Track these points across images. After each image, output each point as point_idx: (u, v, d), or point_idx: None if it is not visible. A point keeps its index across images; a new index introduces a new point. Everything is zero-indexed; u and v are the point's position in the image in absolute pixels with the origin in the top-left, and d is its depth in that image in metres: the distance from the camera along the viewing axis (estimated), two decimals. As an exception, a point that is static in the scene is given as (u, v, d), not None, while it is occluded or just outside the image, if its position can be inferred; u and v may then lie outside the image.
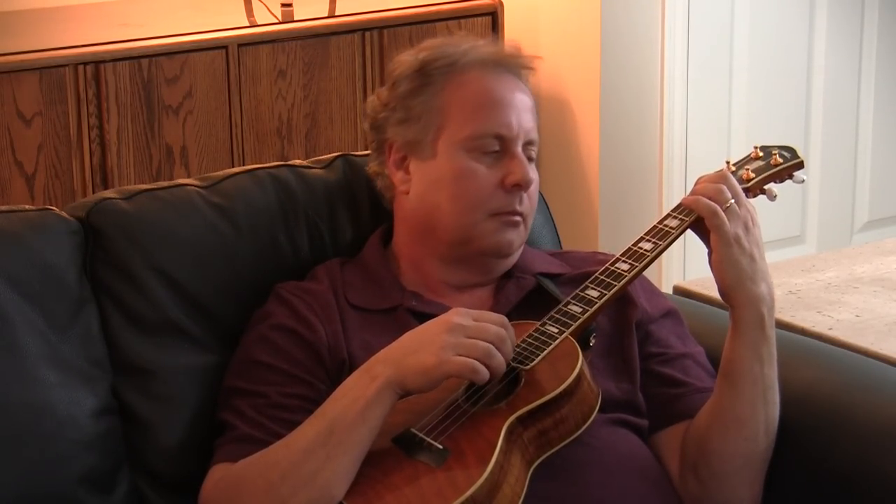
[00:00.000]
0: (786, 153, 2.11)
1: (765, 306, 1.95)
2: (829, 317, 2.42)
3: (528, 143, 2.06)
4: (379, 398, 1.82)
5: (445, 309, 1.96)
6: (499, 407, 1.83)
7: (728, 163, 2.08)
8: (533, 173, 2.05)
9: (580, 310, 1.92)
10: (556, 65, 3.86)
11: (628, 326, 2.05)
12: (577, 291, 1.95)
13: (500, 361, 1.81)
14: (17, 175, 3.25)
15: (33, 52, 3.26)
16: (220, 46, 3.43)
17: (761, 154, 2.11)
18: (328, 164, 2.25)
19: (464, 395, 1.86)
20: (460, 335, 1.81)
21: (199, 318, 2.08)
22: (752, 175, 2.07)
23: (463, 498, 1.73)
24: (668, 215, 2.00)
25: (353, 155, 2.28)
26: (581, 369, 1.85)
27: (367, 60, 3.60)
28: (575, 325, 1.91)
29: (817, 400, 2.03)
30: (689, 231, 2.00)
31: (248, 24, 3.54)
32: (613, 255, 2.00)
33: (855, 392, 2.03)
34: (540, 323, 1.92)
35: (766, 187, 2.08)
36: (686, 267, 3.94)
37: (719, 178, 1.99)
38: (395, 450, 1.83)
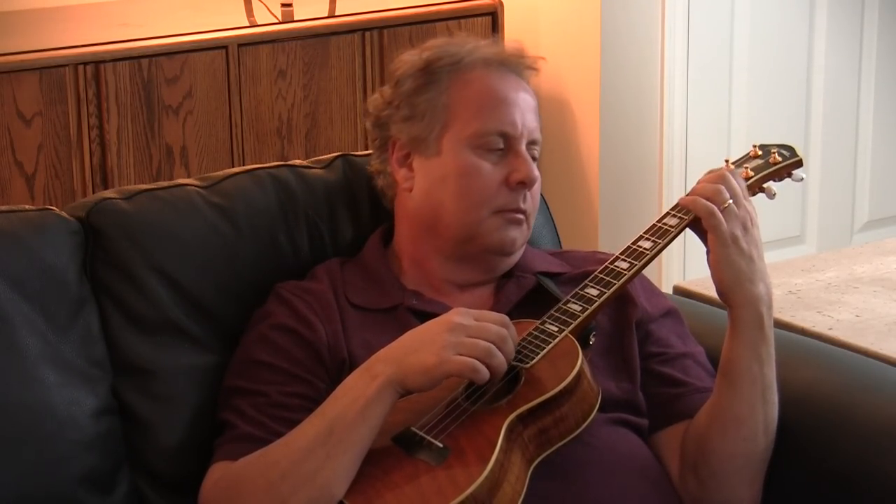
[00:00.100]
0: (785, 151, 2.12)
1: (763, 306, 1.95)
2: (829, 317, 2.42)
3: (531, 143, 2.07)
4: (379, 397, 1.82)
5: (446, 308, 1.96)
6: (499, 405, 1.83)
7: (727, 161, 2.08)
8: (536, 172, 2.06)
9: (580, 308, 1.93)
10: (556, 65, 3.86)
11: (628, 325, 2.05)
12: (576, 290, 1.96)
13: (500, 361, 1.81)
14: (17, 175, 3.25)
15: (33, 52, 3.26)
16: (220, 46, 3.43)
17: (760, 152, 2.11)
18: (328, 164, 2.25)
19: (464, 394, 1.86)
20: (461, 334, 1.81)
21: (199, 318, 2.08)
22: (751, 173, 2.07)
23: (464, 496, 1.73)
24: (668, 214, 2.01)
25: (353, 155, 2.28)
26: (581, 368, 1.86)
27: (367, 60, 3.60)
28: (575, 323, 1.91)
29: (817, 400, 2.03)
30: (688, 231, 2.00)
31: (248, 24, 3.54)
32: (613, 255, 2.00)
33: (855, 392, 2.03)
34: (540, 321, 1.92)
35: (764, 185, 2.09)
36: (686, 267, 3.94)
37: (718, 178, 1.99)
38: (396, 448, 1.83)
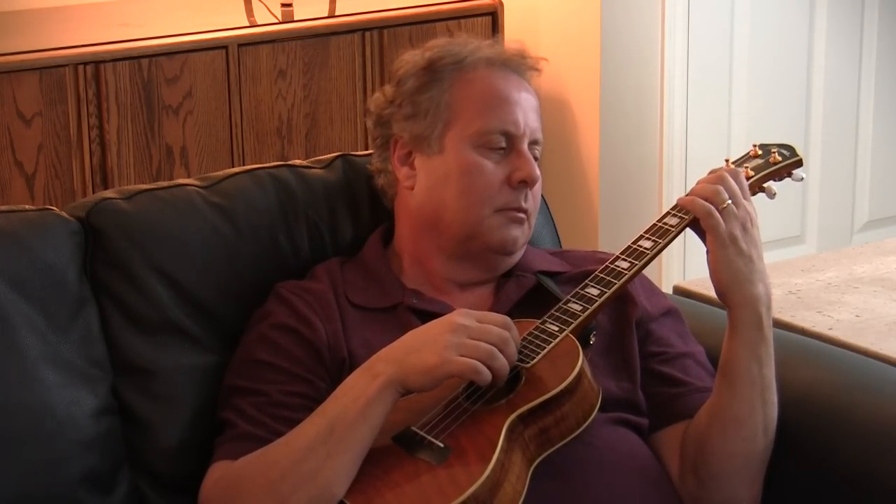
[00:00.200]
0: (785, 151, 2.12)
1: (762, 307, 1.95)
2: (829, 317, 2.42)
3: (533, 143, 2.07)
4: (380, 396, 1.82)
5: (446, 307, 1.97)
6: (499, 405, 1.83)
7: (727, 161, 2.08)
8: (538, 171, 2.06)
9: (580, 308, 1.93)
10: (556, 65, 3.86)
11: (628, 325, 2.06)
12: (577, 290, 1.96)
13: (502, 364, 1.81)
14: (17, 175, 3.25)
15: (33, 52, 3.26)
16: (220, 46, 3.43)
17: (760, 152, 2.11)
18: (328, 164, 2.25)
19: (464, 394, 1.86)
20: (463, 335, 1.81)
21: (199, 318, 2.08)
22: (751, 173, 2.07)
23: (465, 496, 1.73)
24: (668, 213, 2.01)
25: (353, 155, 2.29)
26: (581, 367, 1.86)
27: (367, 60, 3.60)
28: (575, 323, 1.91)
29: (817, 400, 2.03)
30: (689, 231, 2.00)
31: (248, 24, 3.54)
32: (613, 254, 2.00)
33: (855, 392, 2.03)
34: (540, 321, 1.92)
35: (765, 185, 2.09)
36: (686, 267, 3.94)
37: (717, 178, 1.99)
38: (396, 448, 1.83)
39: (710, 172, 2.03)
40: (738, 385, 1.96)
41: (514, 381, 1.85)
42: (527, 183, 2.04)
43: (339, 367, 1.96)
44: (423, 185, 2.08)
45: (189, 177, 2.78)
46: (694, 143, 3.99)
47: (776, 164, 2.10)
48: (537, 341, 1.89)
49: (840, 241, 4.22)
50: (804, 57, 4.15)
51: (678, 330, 2.11)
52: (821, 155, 4.21)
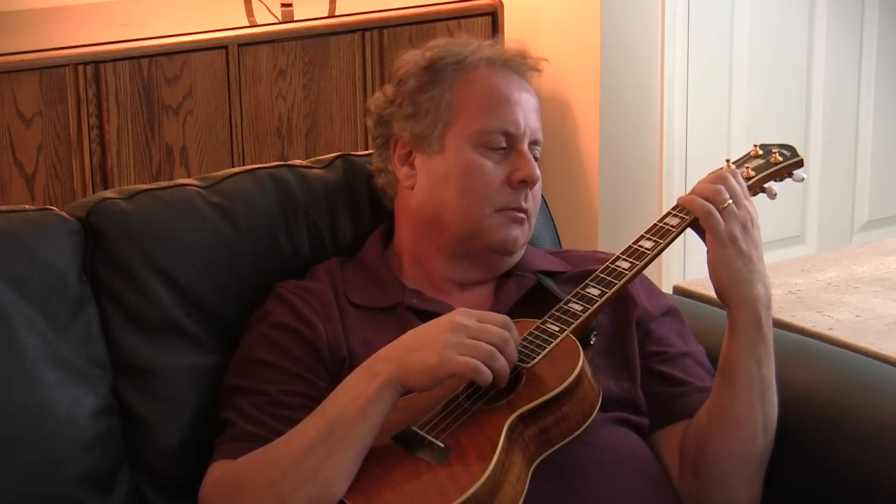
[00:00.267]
0: (785, 151, 2.12)
1: (761, 307, 1.95)
2: (829, 317, 2.42)
3: (533, 143, 2.07)
4: (380, 396, 1.82)
5: (446, 306, 1.97)
6: (500, 405, 1.83)
7: (728, 161, 2.08)
8: (538, 171, 2.06)
9: (581, 308, 1.93)
10: (556, 65, 3.85)
11: (628, 325, 2.06)
12: (577, 290, 1.96)
13: (502, 364, 1.81)
14: (17, 175, 3.25)
15: (33, 52, 3.26)
16: (220, 46, 3.43)
17: (761, 152, 2.11)
18: (328, 164, 2.25)
19: (465, 393, 1.86)
20: (463, 335, 1.81)
21: (199, 318, 2.08)
22: (752, 173, 2.07)
23: (465, 496, 1.73)
24: (669, 213, 2.01)
25: (353, 155, 2.29)
26: (582, 367, 1.86)
27: (367, 60, 3.60)
28: (576, 323, 1.91)
29: (817, 400, 2.03)
30: (689, 231, 2.00)
31: (248, 24, 3.54)
32: (613, 254, 2.01)
33: (855, 392, 2.03)
34: (541, 321, 1.92)
35: (765, 185, 2.09)
36: (686, 267, 3.94)
37: (718, 178, 1.99)
38: (396, 447, 1.83)
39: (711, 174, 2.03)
40: (737, 385, 1.96)
41: (514, 381, 1.85)
42: (527, 183, 2.04)
43: (338, 367, 1.96)
44: (423, 184, 2.08)
45: (189, 177, 2.78)
46: (694, 143, 3.99)
47: (777, 164, 2.10)
48: (538, 341, 1.89)
49: (840, 241, 4.22)
50: (804, 57, 4.15)
51: (678, 330, 2.11)
52: (821, 155, 4.20)
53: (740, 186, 1.99)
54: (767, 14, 4.07)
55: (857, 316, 2.43)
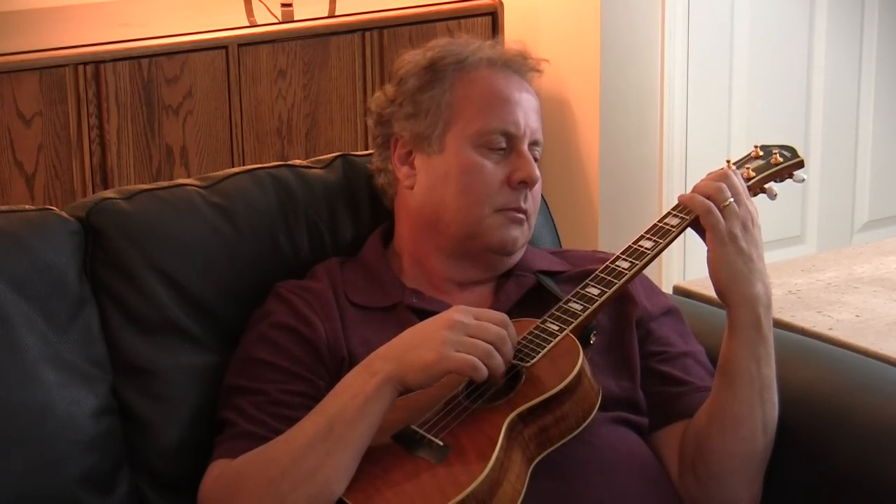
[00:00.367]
0: (786, 152, 2.12)
1: (761, 306, 1.95)
2: (829, 317, 2.42)
3: (533, 143, 2.07)
4: (379, 394, 1.82)
5: (446, 306, 1.97)
6: (499, 404, 1.83)
7: (728, 162, 2.08)
8: (538, 172, 2.06)
9: (581, 307, 1.93)
10: (556, 65, 3.84)
11: (628, 324, 2.06)
12: (577, 289, 1.96)
13: (499, 362, 1.81)
14: (17, 175, 3.25)
15: (33, 52, 3.26)
16: (220, 46, 3.43)
17: (761, 153, 2.11)
18: (328, 164, 2.26)
19: (464, 392, 1.86)
20: (461, 333, 1.81)
21: (199, 318, 2.08)
22: (753, 174, 2.07)
23: (464, 494, 1.73)
24: (669, 213, 2.01)
25: (353, 155, 2.29)
26: (582, 367, 1.86)
27: (367, 60, 3.60)
28: (575, 322, 1.91)
29: (817, 400, 2.03)
30: (689, 231, 2.00)
31: (248, 24, 3.54)
32: (613, 254, 2.01)
33: (855, 392, 2.03)
34: (540, 320, 1.92)
35: (766, 186, 2.09)
36: (686, 267, 3.94)
37: (720, 176, 1.99)
38: (396, 446, 1.83)
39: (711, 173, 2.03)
40: (736, 384, 1.96)
41: (514, 380, 1.85)
42: (526, 183, 2.05)
43: (338, 367, 1.96)
44: (422, 184, 2.08)
45: (189, 177, 2.78)
46: (694, 143, 3.99)
47: (777, 165, 2.10)
48: (538, 340, 1.89)
49: (840, 241, 4.22)
50: (804, 57, 4.15)
51: (678, 329, 2.11)
52: (821, 155, 4.20)
53: (741, 185, 1.99)
54: (767, 14, 4.07)
55: (857, 316, 2.43)
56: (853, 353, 2.22)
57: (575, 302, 1.94)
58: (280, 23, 3.56)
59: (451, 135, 2.05)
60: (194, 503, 1.93)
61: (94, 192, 2.97)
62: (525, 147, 2.06)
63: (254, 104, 3.48)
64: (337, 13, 3.64)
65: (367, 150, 2.22)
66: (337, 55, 3.56)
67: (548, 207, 2.34)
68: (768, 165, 2.10)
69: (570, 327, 1.90)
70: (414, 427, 1.84)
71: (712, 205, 1.95)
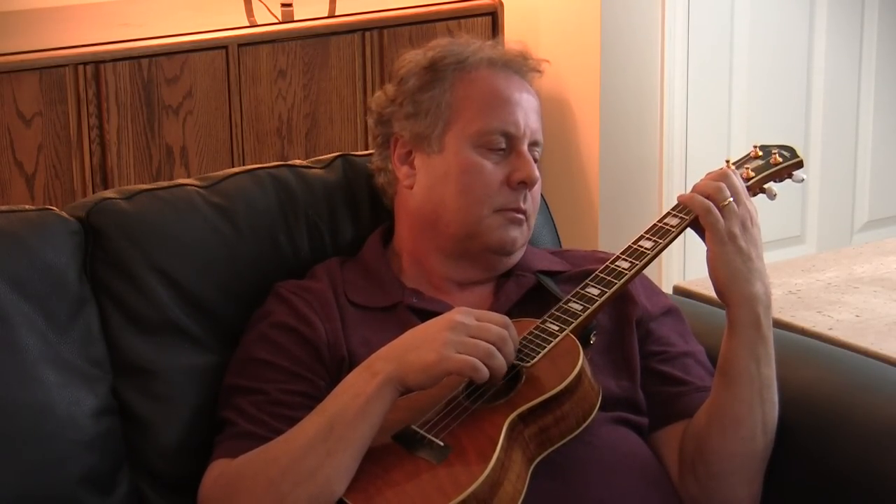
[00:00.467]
0: (785, 152, 2.12)
1: (760, 306, 1.95)
2: (829, 317, 2.42)
3: (533, 144, 2.07)
4: (379, 394, 1.82)
5: (446, 306, 1.97)
6: (500, 404, 1.83)
7: (728, 162, 2.08)
8: (537, 173, 2.06)
9: (581, 308, 1.93)
10: (556, 65, 3.83)
11: (628, 324, 2.06)
12: (577, 289, 1.96)
13: (500, 363, 1.81)
14: (17, 175, 3.25)
15: (33, 52, 3.26)
16: (220, 46, 3.43)
17: (761, 153, 2.11)
18: (328, 164, 2.26)
19: (464, 392, 1.86)
20: (462, 333, 1.81)
21: (199, 318, 2.08)
22: (752, 174, 2.07)
23: (465, 494, 1.73)
24: (668, 213, 2.01)
25: (353, 155, 2.29)
26: (582, 367, 1.86)
27: (367, 60, 3.60)
28: (575, 322, 1.91)
29: (817, 400, 2.03)
30: (689, 231, 2.00)
31: (248, 24, 3.54)
32: (613, 254, 2.01)
33: (855, 392, 2.03)
34: (541, 321, 1.92)
35: (765, 186, 2.09)
36: (686, 267, 3.94)
37: (720, 175, 1.99)
38: (396, 446, 1.83)
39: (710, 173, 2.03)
40: (736, 384, 1.96)
41: (514, 381, 1.85)
42: (526, 184, 2.05)
43: (338, 366, 1.96)
44: (422, 184, 2.08)
45: (189, 177, 2.78)
46: (694, 143, 3.99)
47: (777, 165, 2.10)
48: (538, 341, 1.89)
49: (840, 241, 4.22)
50: (804, 57, 4.15)
51: (678, 329, 2.11)
52: (821, 155, 4.20)
53: (740, 185, 1.99)
54: (767, 14, 4.07)
55: (857, 316, 2.43)
56: (853, 353, 2.22)
57: (575, 302, 1.94)
58: (280, 23, 3.56)
59: (450, 135, 2.06)
60: (194, 503, 1.92)
61: (94, 192, 2.97)
62: (525, 147, 2.06)
63: (254, 104, 3.48)
64: (337, 13, 3.64)
65: (367, 150, 2.22)
66: (337, 55, 3.56)
67: (548, 207, 2.34)
68: (768, 165, 2.10)
69: (571, 327, 1.90)
70: (414, 427, 1.84)
71: (711, 204, 1.95)
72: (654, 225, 2.01)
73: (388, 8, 3.67)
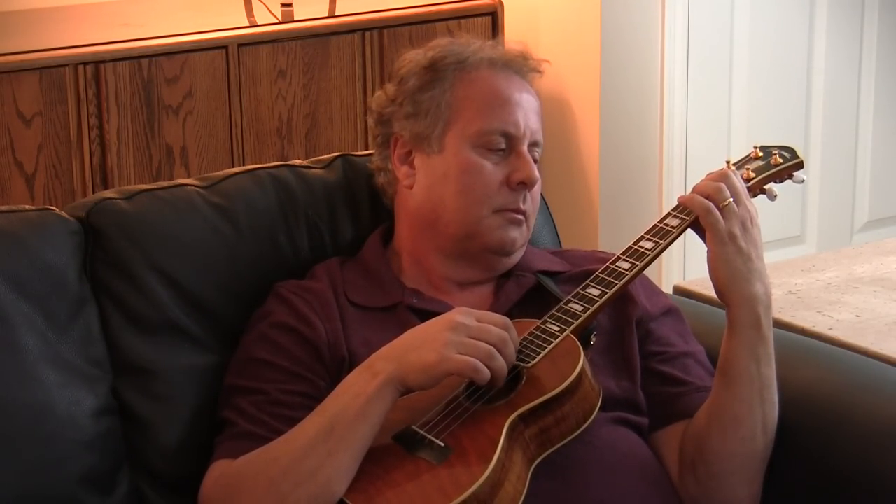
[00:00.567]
0: (786, 153, 2.12)
1: (760, 306, 1.95)
2: (829, 317, 2.42)
3: (533, 144, 2.07)
4: (380, 394, 1.82)
5: (446, 306, 1.97)
6: (500, 404, 1.83)
7: (728, 162, 2.08)
8: (537, 173, 2.06)
9: (581, 308, 1.93)
10: (556, 65, 3.83)
11: (628, 324, 2.06)
12: (577, 290, 1.96)
13: (501, 364, 1.81)
14: (17, 175, 3.25)
15: (33, 52, 3.26)
16: (220, 46, 3.43)
17: (761, 154, 2.12)
18: (328, 164, 2.26)
19: (465, 393, 1.86)
20: (462, 334, 1.81)
21: (199, 318, 2.08)
22: (752, 175, 2.07)
23: (465, 495, 1.73)
24: (669, 214, 2.01)
25: (353, 155, 2.29)
26: (582, 367, 1.86)
27: (367, 60, 3.60)
28: (576, 323, 1.91)
29: (817, 400, 2.03)
30: (689, 231, 2.00)
31: (248, 24, 3.54)
32: (613, 254, 2.01)
33: (855, 392, 2.03)
34: (541, 321, 1.92)
35: (766, 187, 2.09)
36: (686, 267, 3.94)
37: (720, 176, 1.99)
38: (397, 447, 1.83)
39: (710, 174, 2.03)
40: (736, 384, 1.96)
41: (514, 381, 1.85)
42: (525, 184, 2.04)
43: (338, 367, 1.96)
44: (422, 184, 2.08)
45: (189, 177, 2.79)
46: (694, 142, 3.99)
47: (777, 165, 2.10)
48: (538, 341, 1.89)
49: (840, 241, 4.22)
50: (804, 57, 4.15)
51: (678, 329, 2.11)
52: (821, 155, 4.20)
53: (740, 185, 1.99)
54: (767, 14, 4.07)
55: (857, 316, 2.43)
56: (853, 353, 2.22)
57: (575, 302, 1.94)
58: (280, 23, 3.56)
59: (450, 135, 2.06)
60: (194, 503, 1.92)
61: (94, 192, 2.97)
62: (525, 148, 2.06)
63: (254, 104, 3.48)
64: (337, 13, 3.64)
65: (367, 150, 2.22)
66: (337, 55, 3.56)
67: (548, 207, 2.34)
68: (768, 166, 2.10)
69: (571, 328, 1.90)
70: (415, 428, 1.84)
71: (711, 204, 1.95)
72: (655, 225, 2.01)
73: (388, 8, 3.67)
